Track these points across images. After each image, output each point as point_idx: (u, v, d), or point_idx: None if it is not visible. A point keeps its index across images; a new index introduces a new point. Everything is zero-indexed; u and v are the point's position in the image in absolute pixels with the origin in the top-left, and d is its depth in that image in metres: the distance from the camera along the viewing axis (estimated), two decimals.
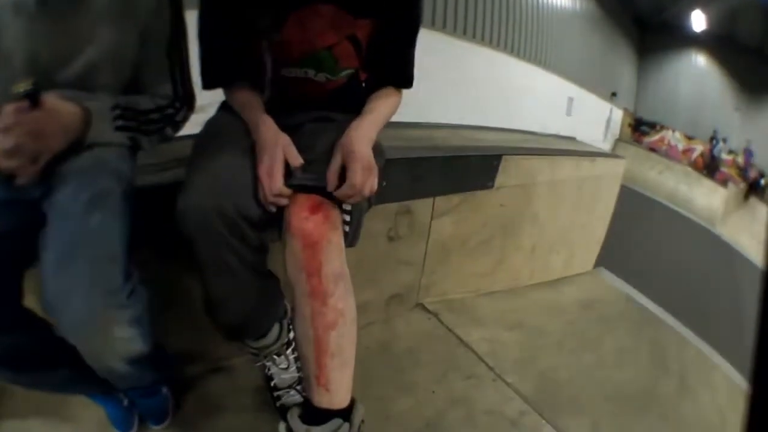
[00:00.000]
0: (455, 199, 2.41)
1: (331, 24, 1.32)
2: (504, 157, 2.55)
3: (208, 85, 1.40)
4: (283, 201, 1.17)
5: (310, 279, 1.12)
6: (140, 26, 1.22)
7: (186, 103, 1.34)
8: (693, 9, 11.69)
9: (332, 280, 1.13)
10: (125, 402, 1.43)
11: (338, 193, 1.17)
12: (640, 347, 3.18)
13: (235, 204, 1.15)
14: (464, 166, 2.40)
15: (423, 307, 2.49)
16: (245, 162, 1.22)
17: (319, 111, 1.43)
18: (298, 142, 1.25)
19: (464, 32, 5.09)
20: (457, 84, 4.75)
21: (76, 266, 1.00)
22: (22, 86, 0.98)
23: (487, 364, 2.22)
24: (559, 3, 7.19)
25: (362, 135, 1.23)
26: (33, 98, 0.99)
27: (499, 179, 2.58)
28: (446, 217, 2.40)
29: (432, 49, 4.47)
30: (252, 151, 1.24)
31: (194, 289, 1.29)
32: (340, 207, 1.22)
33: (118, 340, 1.05)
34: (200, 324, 1.34)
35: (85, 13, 1.13)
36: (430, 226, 2.35)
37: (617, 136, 11.59)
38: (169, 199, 1.16)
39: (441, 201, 2.35)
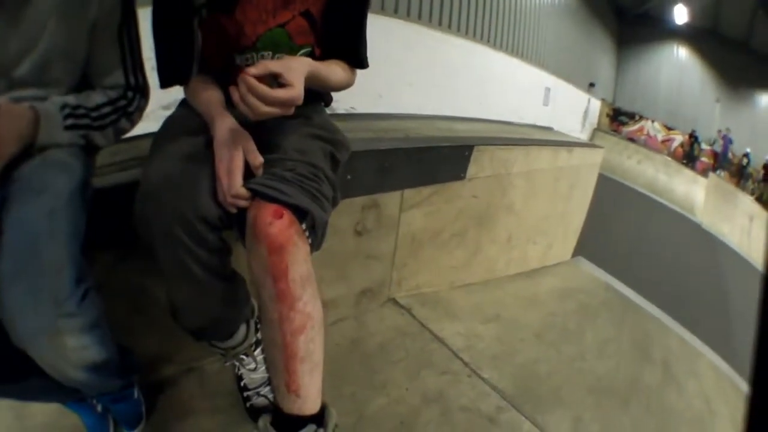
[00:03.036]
0: (425, 191, 2.34)
1: (283, 1, 1.29)
2: (477, 147, 2.49)
3: (165, 83, 1.34)
4: (243, 203, 1.11)
5: (277, 283, 1.07)
6: (91, 17, 1.19)
7: (139, 91, 1.30)
8: (675, 2, 11.83)
9: (300, 285, 1.08)
10: (98, 408, 1.39)
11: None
12: (622, 337, 3.16)
13: (193, 205, 1.09)
14: (434, 158, 2.33)
15: (395, 302, 2.43)
16: (203, 160, 1.16)
17: None
18: (261, 138, 1.19)
19: (440, 23, 5.05)
20: (434, 75, 4.73)
21: (25, 277, 0.98)
22: None
23: (462, 360, 2.17)
24: None
25: (300, 62, 1.15)
26: None
27: (472, 170, 2.52)
28: (416, 210, 2.34)
29: (409, 40, 4.45)
30: (210, 148, 1.17)
31: (162, 290, 1.25)
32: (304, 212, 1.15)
33: (70, 349, 1.02)
34: (170, 325, 1.29)
35: (35, 7, 1.11)
36: (399, 219, 2.28)
37: (595, 126, 11.67)
38: (131, 198, 1.12)
39: (410, 193, 2.28)
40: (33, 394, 1.21)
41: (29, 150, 1.10)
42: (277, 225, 1.06)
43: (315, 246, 1.19)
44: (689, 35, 12.55)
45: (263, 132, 1.24)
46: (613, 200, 6.80)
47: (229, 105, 1.21)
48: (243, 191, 1.10)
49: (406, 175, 2.21)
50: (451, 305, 2.59)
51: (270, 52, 1.32)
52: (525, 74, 6.60)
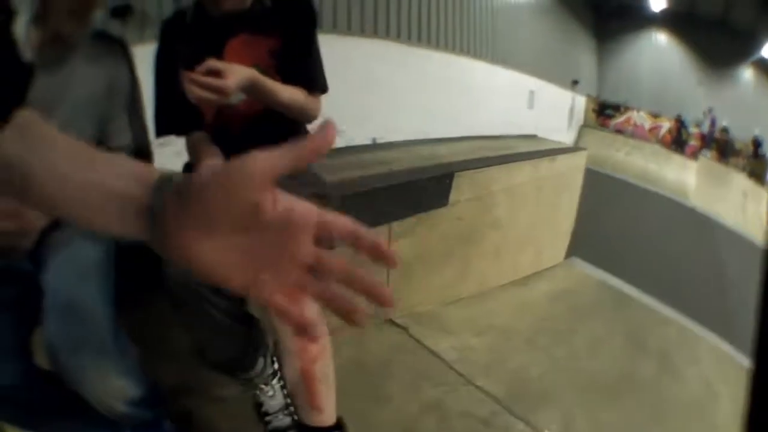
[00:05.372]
0: (411, 221, 2.53)
1: (252, 45, 1.50)
2: (456, 173, 2.66)
3: (160, 131, 1.54)
4: None
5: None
6: (107, 80, 1.37)
7: (144, 153, 1.47)
8: None
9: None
10: None
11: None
12: (615, 334, 3.29)
13: None
14: (417, 189, 2.53)
15: (392, 322, 2.61)
16: None
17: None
18: None
19: (410, 37, 5.05)
20: (412, 92, 4.75)
21: (72, 333, 1.15)
22: None
23: (457, 371, 2.34)
24: None
25: (243, 68, 1.34)
26: None
27: (454, 195, 2.70)
28: (403, 240, 2.52)
29: (382, 58, 4.46)
30: None
31: (181, 331, 1.43)
32: None
33: (115, 386, 1.21)
34: (193, 361, 1.49)
35: (60, 73, 1.28)
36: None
37: (582, 123, 11.74)
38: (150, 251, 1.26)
39: (397, 225, 2.47)
40: (76, 430, 1.39)
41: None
42: None
43: None
44: (667, 21, 12.57)
45: None
46: (604, 195, 6.89)
47: None
48: None
49: (392, 210, 2.40)
50: (445, 321, 2.76)
51: None
52: (507, 80, 6.70)
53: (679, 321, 4.21)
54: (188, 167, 1.60)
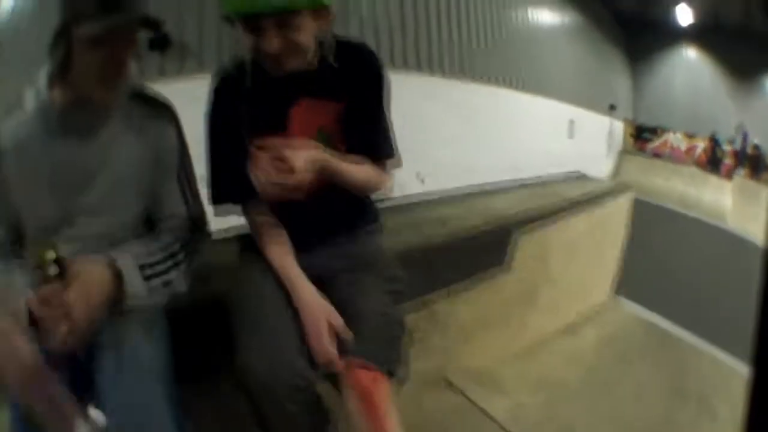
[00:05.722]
0: (470, 282, 2.48)
1: (317, 109, 1.41)
2: (515, 230, 2.62)
3: (216, 200, 1.46)
4: (335, 366, 1.28)
5: (370, 422, 1.24)
6: (153, 150, 1.29)
7: (200, 223, 1.38)
8: (677, 3, 11.59)
9: (385, 413, 1.25)
10: None
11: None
12: (659, 377, 3.25)
13: (289, 367, 1.24)
14: (476, 249, 2.47)
15: (448, 382, 2.57)
16: (292, 323, 1.32)
17: (335, 245, 1.50)
18: (338, 300, 1.36)
19: (461, 71, 5.00)
20: (454, 125, 4.60)
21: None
22: (47, 255, 1.00)
23: None
24: (543, 21, 7.15)
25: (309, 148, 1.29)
26: (60, 268, 1.01)
27: (512, 254, 2.65)
28: (462, 304, 2.48)
29: (422, 91, 4.31)
30: (294, 309, 1.34)
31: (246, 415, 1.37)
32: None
33: None
34: None
35: (95, 141, 1.21)
36: (448, 314, 2.42)
37: (620, 148, 11.55)
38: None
39: (456, 287, 2.43)
40: None
41: (114, 310, 1.14)
42: (369, 383, 1.24)
43: (398, 380, 1.35)
44: (696, 35, 12.31)
45: (340, 292, 1.40)
46: (646, 225, 6.74)
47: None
48: (335, 357, 1.27)
49: (451, 272, 2.35)
50: (499, 379, 2.73)
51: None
52: (548, 110, 6.58)
53: (716, 356, 4.07)
54: (246, 239, 1.54)
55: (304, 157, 1.23)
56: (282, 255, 1.42)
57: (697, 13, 11.74)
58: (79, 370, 1.16)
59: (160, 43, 2.57)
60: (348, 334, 1.30)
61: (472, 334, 2.61)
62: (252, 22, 1.24)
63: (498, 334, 2.82)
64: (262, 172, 1.22)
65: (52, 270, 0.99)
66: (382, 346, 1.30)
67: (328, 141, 1.40)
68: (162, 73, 2.66)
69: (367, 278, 1.44)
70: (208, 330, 1.50)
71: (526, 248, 2.76)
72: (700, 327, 4.44)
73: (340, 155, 1.37)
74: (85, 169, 1.21)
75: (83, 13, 1.07)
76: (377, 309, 1.37)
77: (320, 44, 1.38)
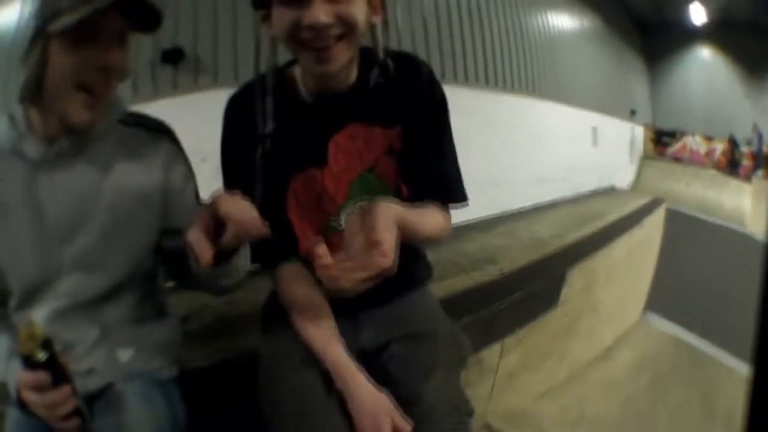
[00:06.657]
0: (522, 331, 2.29)
1: (363, 140, 1.12)
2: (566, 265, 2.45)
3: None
4: None
5: None
6: (157, 185, 1.08)
7: None
8: (690, 1, 11.37)
9: None
10: None
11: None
12: (691, 400, 3.19)
13: None
14: (531, 294, 2.25)
15: (489, 427, 2.41)
16: (344, 427, 1.07)
17: (386, 310, 1.21)
18: (390, 381, 1.11)
19: (486, 81, 4.74)
20: (479, 136, 4.14)
21: None
22: (39, 354, 0.84)
23: None
24: (562, 27, 6.85)
25: (392, 208, 0.95)
26: (49, 353, 0.86)
27: (564, 292, 2.48)
28: (514, 353, 2.30)
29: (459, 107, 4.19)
30: (341, 400, 1.08)
31: None
32: None
33: None
34: None
35: (85, 172, 1.01)
36: (498, 365, 2.25)
37: (641, 153, 11.34)
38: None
39: (509, 339, 2.24)
40: None
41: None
42: None
43: None
44: (710, 34, 12.09)
45: (394, 365, 1.16)
46: (675, 235, 6.60)
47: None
48: None
49: (505, 321, 2.14)
50: (538, 418, 2.60)
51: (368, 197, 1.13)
52: (572, 119, 6.35)
53: (739, 370, 4.00)
54: (271, 303, 1.27)
55: (392, 230, 0.89)
56: (326, 339, 1.11)
57: (710, 11, 11.50)
58: None
59: (173, 56, 2.35)
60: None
61: (515, 376, 2.45)
62: None
63: (539, 370, 2.66)
64: (342, 272, 0.86)
65: (41, 356, 0.84)
66: None
67: (379, 180, 1.14)
68: (175, 87, 2.43)
69: (427, 350, 1.19)
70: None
71: (574, 282, 2.57)
72: (729, 340, 4.36)
73: (412, 206, 1.05)
74: (72, 210, 1.00)
75: (61, 6, 0.85)
76: (446, 398, 1.15)
77: (362, 53, 1.09)
